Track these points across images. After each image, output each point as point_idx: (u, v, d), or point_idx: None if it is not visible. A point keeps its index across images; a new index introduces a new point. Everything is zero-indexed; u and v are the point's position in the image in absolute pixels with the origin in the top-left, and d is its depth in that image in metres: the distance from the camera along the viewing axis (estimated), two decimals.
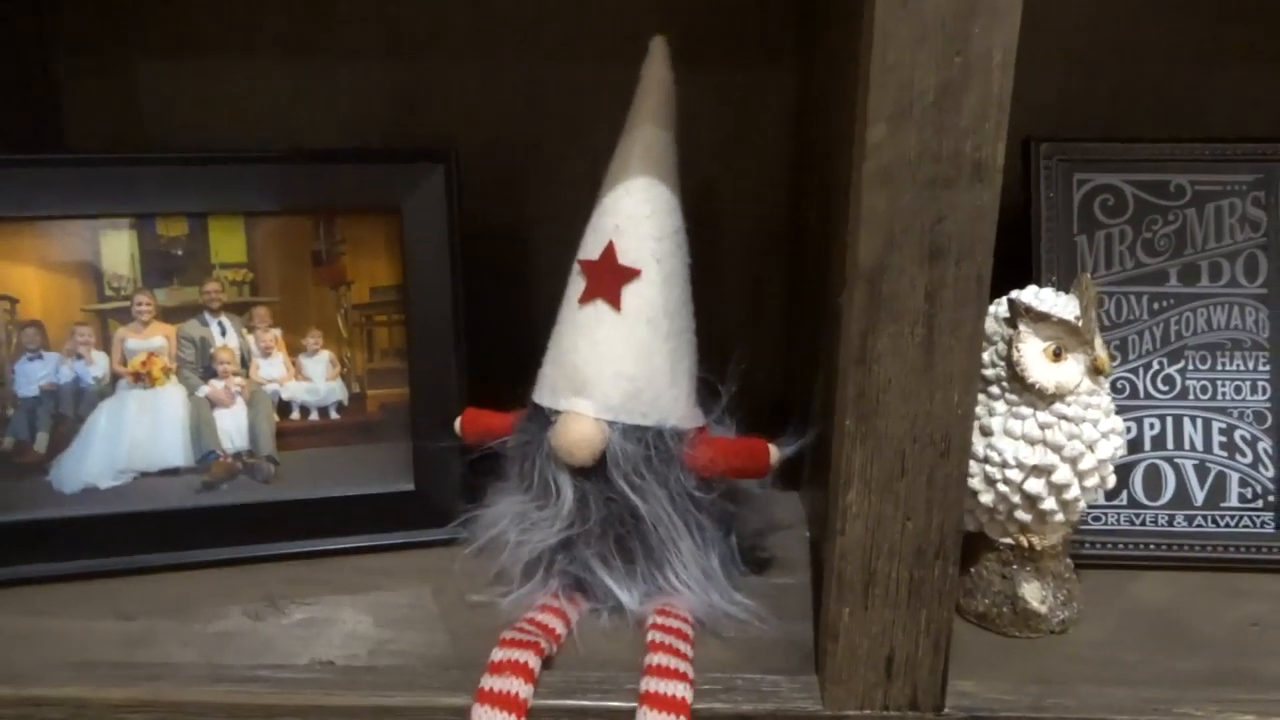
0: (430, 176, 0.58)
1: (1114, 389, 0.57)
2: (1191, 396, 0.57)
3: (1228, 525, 0.56)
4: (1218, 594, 0.54)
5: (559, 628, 0.48)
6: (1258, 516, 0.56)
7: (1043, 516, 0.48)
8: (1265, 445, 0.56)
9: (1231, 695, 0.45)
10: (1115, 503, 0.57)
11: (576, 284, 0.51)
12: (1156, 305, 0.58)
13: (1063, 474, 0.47)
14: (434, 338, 0.58)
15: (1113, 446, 0.47)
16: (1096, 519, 0.57)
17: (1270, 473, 0.56)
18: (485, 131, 0.69)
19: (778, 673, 0.46)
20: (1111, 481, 0.49)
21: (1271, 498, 0.56)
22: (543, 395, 0.51)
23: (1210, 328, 0.57)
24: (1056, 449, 0.47)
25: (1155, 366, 0.57)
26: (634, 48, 0.51)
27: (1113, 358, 0.57)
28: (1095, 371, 0.47)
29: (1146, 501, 0.57)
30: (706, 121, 0.68)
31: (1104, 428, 0.47)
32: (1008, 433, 0.47)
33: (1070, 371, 0.47)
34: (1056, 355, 0.47)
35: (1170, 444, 0.57)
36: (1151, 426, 0.57)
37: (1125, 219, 0.58)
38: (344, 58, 0.68)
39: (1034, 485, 0.47)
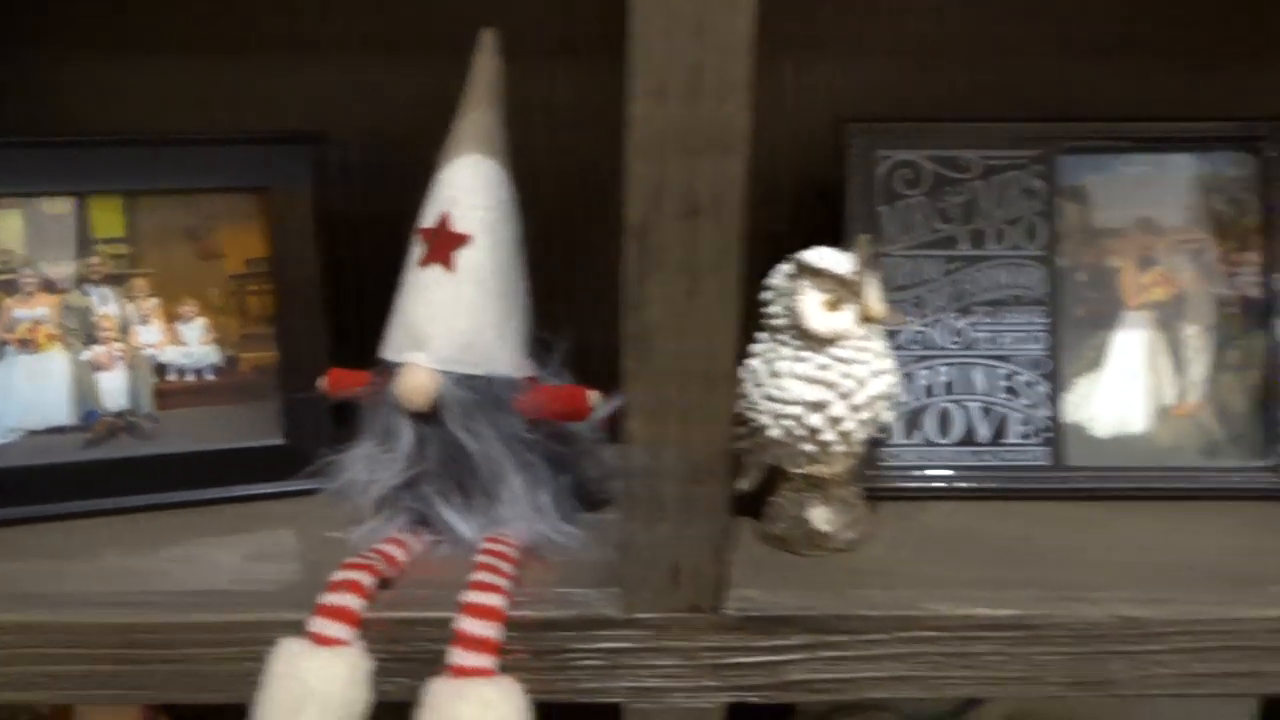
0: (297, 158, 0.64)
1: (911, 341, 0.64)
2: (979, 347, 0.64)
3: (1009, 459, 0.64)
4: (996, 517, 0.61)
5: (400, 555, 0.54)
6: (1035, 450, 0.64)
7: (825, 447, 0.55)
8: (1041, 388, 0.64)
9: (976, 594, 0.52)
10: (911, 441, 0.64)
11: (416, 250, 0.57)
12: (949, 267, 0.65)
13: (838, 408, 0.54)
14: (301, 306, 0.64)
15: (883, 383, 0.54)
16: (895, 456, 0.64)
17: (1045, 412, 0.64)
18: (382, 122, 0.74)
19: (588, 586, 0.52)
20: (887, 416, 0.56)
21: (1047, 434, 0.64)
22: (388, 350, 0.57)
23: (995, 286, 0.65)
24: (832, 386, 0.54)
25: (947, 321, 0.64)
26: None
27: (905, 313, 0.64)
28: (866, 319, 0.54)
29: (938, 440, 0.64)
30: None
31: (875, 368, 0.54)
32: (791, 374, 0.54)
33: (844, 320, 0.54)
34: (833, 306, 0.54)
35: (959, 389, 0.64)
36: (943, 374, 0.64)
37: (923, 191, 0.65)
38: (252, 52, 0.73)
39: (814, 419, 0.54)
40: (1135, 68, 0.72)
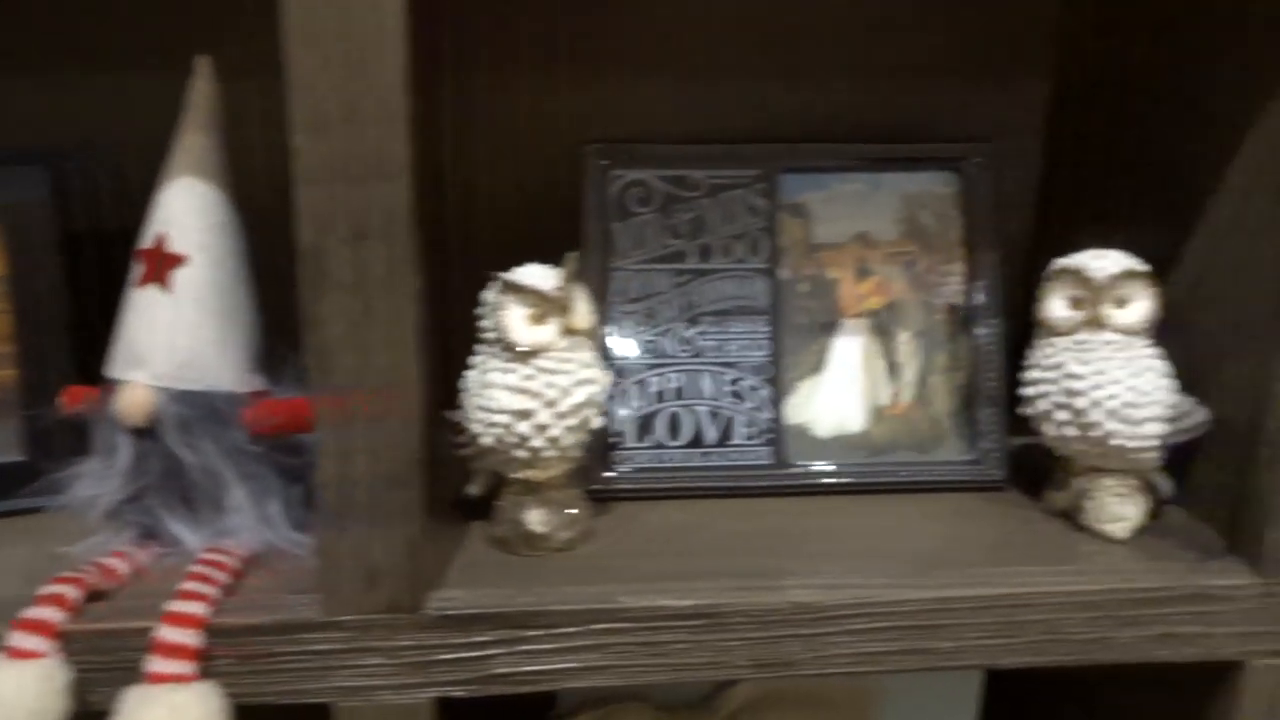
0: (35, 177, 0.64)
1: (643, 350, 0.68)
2: (706, 354, 0.69)
3: (734, 459, 0.68)
4: (719, 515, 0.65)
5: (121, 568, 0.56)
6: (759, 450, 0.68)
7: (536, 453, 0.58)
8: (764, 392, 0.68)
9: (667, 586, 0.56)
10: (643, 444, 0.68)
11: (136, 271, 0.58)
12: (678, 279, 0.69)
13: (544, 417, 0.57)
14: (41, 324, 0.65)
15: (587, 392, 0.58)
16: (628, 459, 0.67)
17: (768, 414, 0.68)
18: (136, 138, 0.74)
19: (300, 592, 0.54)
20: (597, 423, 0.59)
21: (769, 435, 0.68)
22: (111, 369, 0.58)
23: (722, 297, 0.69)
24: (537, 396, 0.57)
25: (677, 330, 0.68)
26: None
27: (639, 325, 0.68)
28: (569, 332, 0.58)
29: (669, 442, 0.68)
30: None
31: (579, 377, 0.58)
32: (500, 384, 0.57)
33: (547, 333, 0.57)
34: (538, 320, 0.57)
35: (689, 394, 0.68)
36: (673, 380, 0.68)
37: (654, 208, 0.69)
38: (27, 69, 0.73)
39: (522, 427, 0.57)
40: (858, 90, 0.77)
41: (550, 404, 0.57)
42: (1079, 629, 0.57)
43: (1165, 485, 0.64)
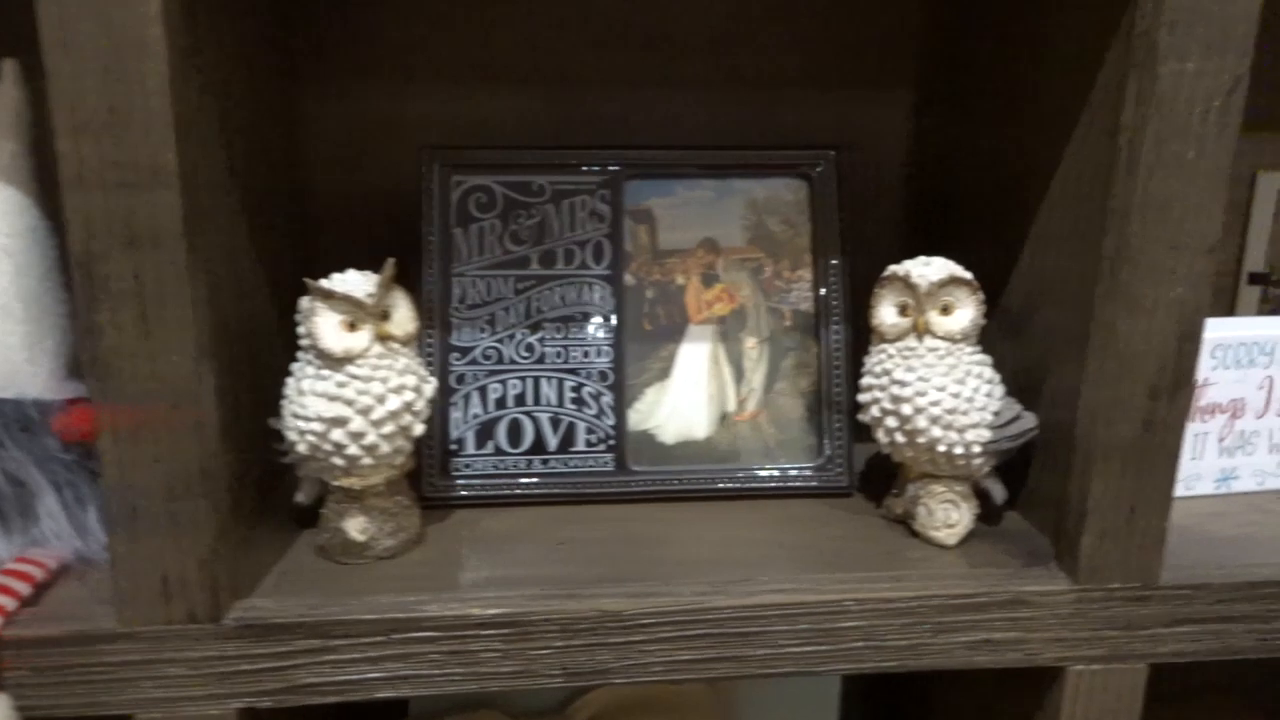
0: None
1: (484, 356, 0.68)
2: (548, 361, 0.68)
3: (576, 466, 0.68)
4: (557, 522, 0.65)
5: None
6: (600, 458, 0.68)
7: (353, 461, 0.58)
8: (607, 399, 0.68)
9: (477, 595, 0.55)
10: (484, 451, 0.67)
11: None
12: (520, 285, 0.69)
13: (358, 424, 0.57)
14: None
15: (403, 400, 0.57)
16: (468, 465, 0.67)
17: (610, 421, 0.68)
18: None
19: (106, 603, 0.54)
20: (418, 430, 0.59)
21: (612, 442, 0.68)
22: None
23: (564, 303, 0.69)
24: (350, 403, 0.56)
25: (518, 336, 0.68)
26: None
27: (479, 329, 0.67)
28: (384, 339, 0.57)
29: (509, 449, 0.67)
30: None
31: (395, 384, 0.57)
32: (312, 392, 0.57)
33: (361, 340, 0.57)
34: (351, 327, 0.57)
35: (530, 401, 0.68)
36: (514, 387, 0.68)
37: (495, 213, 0.69)
38: None
39: (336, 435, 0.57)
40: (708, 97, 0.77)
41: (364, 411, 0.57)
42: (895, 636, 0.57)
43: (998, 491, 0.64)
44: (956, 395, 0.60)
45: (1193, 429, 0.69)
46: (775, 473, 0.69)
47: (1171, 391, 0.54)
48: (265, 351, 0.63)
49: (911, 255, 0.63)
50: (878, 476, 0.70)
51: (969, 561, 0.60)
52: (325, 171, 0.75)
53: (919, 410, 0.60)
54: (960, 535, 0.63)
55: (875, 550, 0.62)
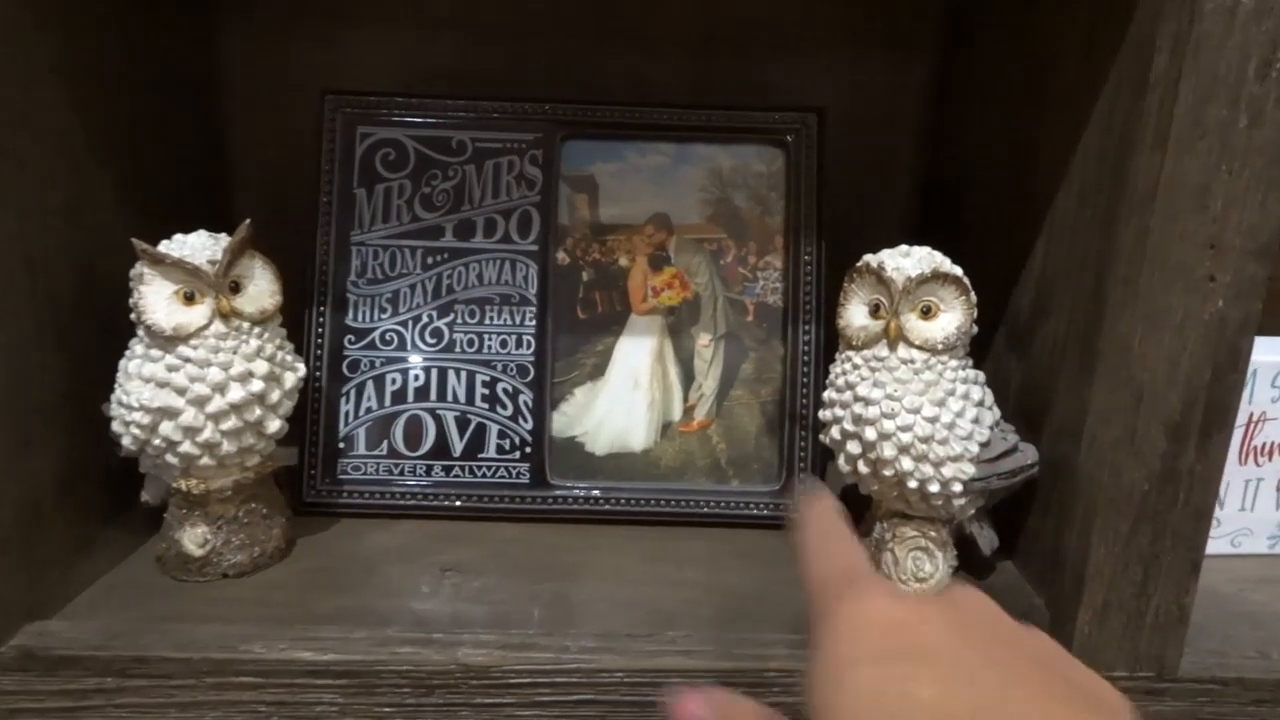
0: None
1: (382, 341, 0.58)
2: (458, 349, 0.58)
3: (485, 475, 0.57)
4: (454, 542, 0.55)
5: None
6: (514, 467, 0.57)
7: (188, 460, 0.48)
8: (526, 398, 0.58)
9: (316, 634, 0.45)
10: (376, 453, 0.57)
11: None
12: (430, 259, 0.58)
13: (190, 417, 0.47)
14: None
15: (248, 390, 0.48)
16: (356, 469, 0.57)
17: (529, 425, 0.57)
18: None
19: None
20: (274, 426, 0.49)
21: (529, 449, 0.57)
22: None
23: (481, 282, 0.58)
24: (180, 391, 0.47)
25: (425, 319, 0.58)
26: None
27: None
28: (231, 315, 0.47)
29: (406, 452, 0.57)
30: None
31: (238, 371, 0.47)
32: (138, 375, 0.47)
33: (196, 315, 0.47)
34: (189, 299, 0.47)
35: (434, 395, 0.58)
36: (416, 378, 0.58)
37: (405, 173, 0.59)
38: None
39: (165, 428, 0.47)
40: (680, 52, 0.65)
41: (198, 402, 0.47)
42: None
43: (986, 539, 0.52)
44: (933, 420, 0.48)
45: (1244, 474, 0.56)
46: (724, 497, 0.58)
47: (1202, 434, 0.41)
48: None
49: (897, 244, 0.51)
50: (851, 507, 0.58)
51: None
52: (239, 124, 0.66)
53: (885, 436, 0.49)
54: (933, 590, 0.51)
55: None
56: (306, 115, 0.59)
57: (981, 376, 0.51)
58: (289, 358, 0.50)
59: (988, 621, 0.28)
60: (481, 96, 0.59)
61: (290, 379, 0.50)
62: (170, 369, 0.47)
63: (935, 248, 0.50)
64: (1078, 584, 0.45)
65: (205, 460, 0.48)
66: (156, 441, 0.48)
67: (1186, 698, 0.45)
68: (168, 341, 0.47)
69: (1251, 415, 0.55)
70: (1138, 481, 0.42)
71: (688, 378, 0.59)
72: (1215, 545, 0.57)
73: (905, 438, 0.48)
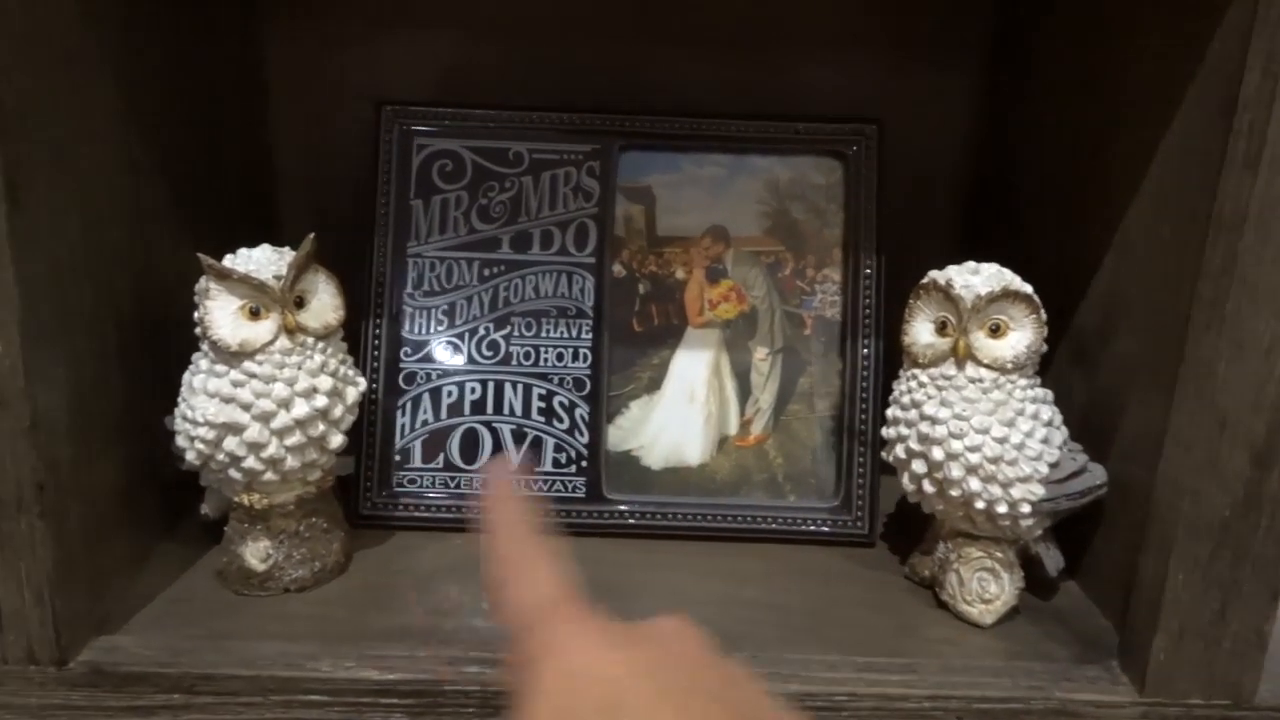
0: None
1: (439, 354, 0.57)
2: (514, 362, 0.58)
3: (541, 489, 0.57)
4: None
5: None
6: (571, 481, 0.57)
7: (252, 475, 0.48)
8: (582, 411, 0.57)
9: (383, 652, 0.45)
10: (432, 465, 0.57)
11: None
12: (487, 271, 0.58)
13: (255, 432, 0.47)
14: None
15: (313, 406, 0.47)
16: (413, 481, 0.57)
17: (585, 438, 0.57)
18: None
19: None
20: (337, 441, 0.49)
21: (585, 463, 0.57)
22: None
23: (538, 295, 0.58)
24: (246, 407, 0.47)
25: (482, 332, 0.58)
26: None
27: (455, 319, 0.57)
28: (297, 330, 0.47)
29: (463, 465, 0.57)
30: None
31: (302, 386, 0.47)
32: (204, 391, 0.47)
33: (263, 330, 0.47)
34: (255, 314, 0.47)
35: (490, 409, 0.57)
36: (473, 391, 0.57)
37: (463, 184, 0.58)
38: None
39: (230, 444, 0.47)
40: (730, 59, 0.65)
41: (264, 418, 0.47)
42: None
43: (1053, 560, 0.52)
44: (1002, 440, 0.48)
45: None
46: (781, 513, 0.57)
47: None
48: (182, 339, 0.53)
49: (964, 259, 0.50)
50: (909, 524, 0.57)
51: (1007, 649, 0.48)
52: (285, 133, 0.65)
53: (953, 456, 0.48)
54: (999, 612, 0.50)
55: (889, 624, 0.50)
56: (353, 123, 0.59)
57: (1050, 395, 0.50)
58: (350, 372, 0.50)
59: (692, 665, 0.27)
60: (535, 106, 0.58)
61: (352, 393, 0.50)
62: (235, 384, 0.47)
63: (992, 260, 0.50)
64: (1153, 609, 0.44)
65: (269, 475, 0.48)
66: (220, 456, 0.47)
67: None
68: (233, 357, 0.47)
69: None
70: (1219, 507, 0.41)
71: (744, 392, 0.58)
72: None
73: (974, 458, 0.48)
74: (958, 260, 0.50)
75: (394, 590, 0.51)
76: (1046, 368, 0.55)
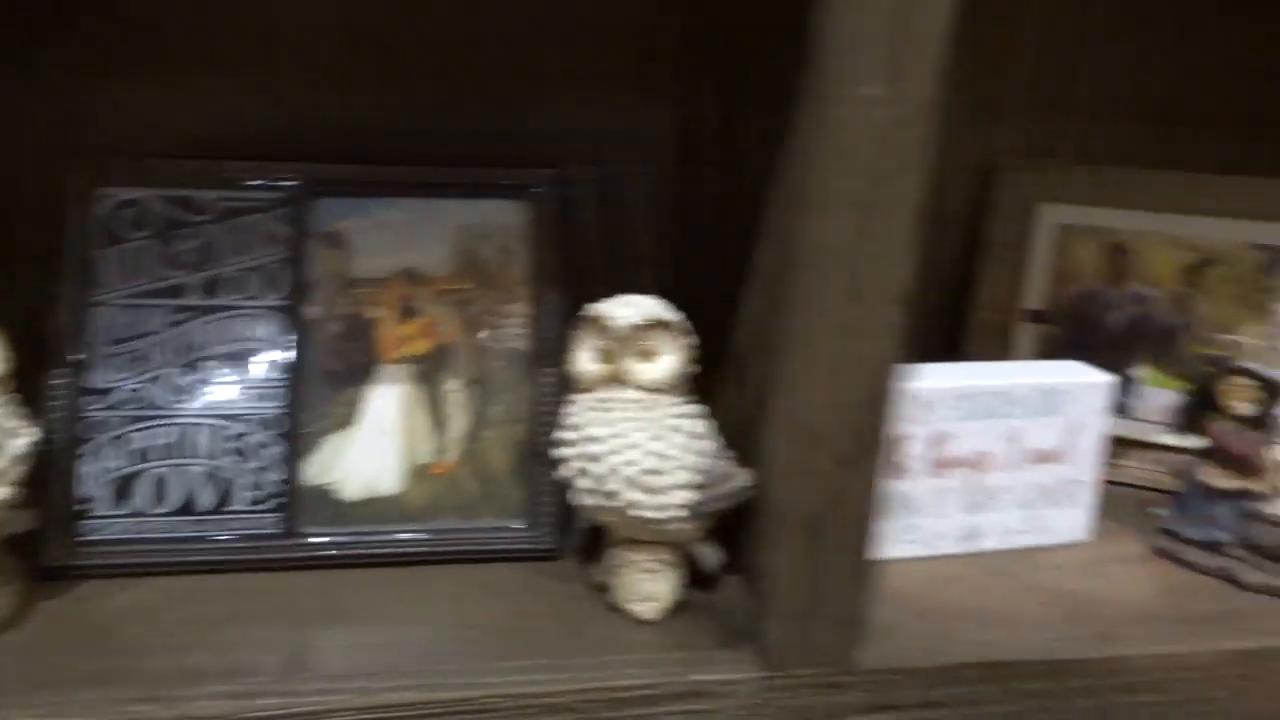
0: None
1: (125, 401, 0.58)
2: (204, 405, 0.59)
3: (235, 528, 0.58)
4: (205, 597, 0.56)
5: None
6: (264, 519, 0.59)
7: None
8: (275, 450, 0.59)
9: (43, 700, 0.46)
10: (119, 512, 0.57)
11: None
12: (176, 318, 0.59)
13: None
14: None
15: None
16: (101, 529, 0.57)
17: (279, 475, 0.59)
18: None
19: None
20: (2, 493, 0.49)
21: (279, 500, 0.59)
22: None
23: (228, 339, 0.59)
24: None
25: (170, 377, 0.59)
26: None
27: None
28: None
29: (151, 510, 0.58)
30: None
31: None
32: None
33: None
34: None
35: (180, 452, 0.58)
36: (162, 436, 0.58)
37: (151, 232, 0.59)
38: None
39: None
40: (417, 103, 0.69)
41: None
42: None
43: (711, 558, 0.58)
44: (655, 453, 0.53)
45: (934, 484, 0.64)
46: (475, 534, 0.61)
47: (857, 458, 0.48)
48: None
49: (660, 290, 0.56)
50: (596, 538, 0.62)
51: (660, 642, 0.53)
52: None
53: (613, 471, 0.53)
54: (661, 609, 0.56)
55: (558, 630, 0.54)
56: (36, 170, 0.59)
57: (701, 410, 0.56)
58: (16, 423, 0.50)
59: None
60: (228, 155, 0.60)
61: (16, 446, 0.50)
62: None
63: (675, 292, 0.56)
64: (765, 595, 0.50)
65: None
66: None
67: (867, 689, 0.52)
68: None
69: (936, 433, 0.63)
70: (808, 501, 0.48)
71: (438, 422, 0.62)
72: (912, 549, 0.64)
73: (630, 471, 0.53)
74: (652, 290, 0.56)
75: (72, 637, 0.51)
76: (716, 384, 0.61)
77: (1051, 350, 0.79)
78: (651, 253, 0.74)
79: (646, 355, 0.55)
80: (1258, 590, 0.62)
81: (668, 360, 0.55)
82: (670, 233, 0.75)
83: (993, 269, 0.82)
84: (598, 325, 0.55)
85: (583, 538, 0.61)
